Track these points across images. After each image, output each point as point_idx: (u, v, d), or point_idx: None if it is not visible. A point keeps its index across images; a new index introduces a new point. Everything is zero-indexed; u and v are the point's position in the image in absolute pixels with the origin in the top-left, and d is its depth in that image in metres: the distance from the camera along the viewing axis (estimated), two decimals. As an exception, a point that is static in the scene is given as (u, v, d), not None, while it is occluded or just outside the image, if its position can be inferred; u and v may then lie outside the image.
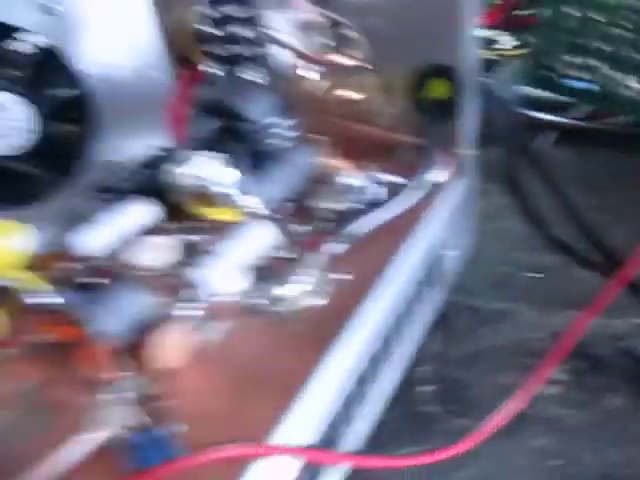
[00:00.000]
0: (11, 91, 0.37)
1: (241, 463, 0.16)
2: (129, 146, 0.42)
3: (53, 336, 0.20)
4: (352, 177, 0.24)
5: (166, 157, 0.27)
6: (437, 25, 0.25)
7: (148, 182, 0.26)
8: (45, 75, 0.39)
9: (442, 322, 0.29)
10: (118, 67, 0.40)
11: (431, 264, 0.26)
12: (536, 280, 0.31)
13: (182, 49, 0.30)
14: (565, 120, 0.40)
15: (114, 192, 0.25)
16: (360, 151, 0.28)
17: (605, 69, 0.21)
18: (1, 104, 0.37)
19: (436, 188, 0.26)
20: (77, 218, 0.26)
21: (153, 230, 0.25)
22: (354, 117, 0.28)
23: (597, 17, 0.20)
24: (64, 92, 0.41)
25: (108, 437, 0.16)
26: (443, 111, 0.26)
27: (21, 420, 0.18)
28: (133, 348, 0.19)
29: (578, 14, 0.20)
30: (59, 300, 0.19)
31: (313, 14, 0.25)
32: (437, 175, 0.25)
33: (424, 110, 0.26)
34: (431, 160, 0.24)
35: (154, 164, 0.27)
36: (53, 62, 0.39)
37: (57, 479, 0.15)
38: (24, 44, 0.39)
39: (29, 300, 0.20)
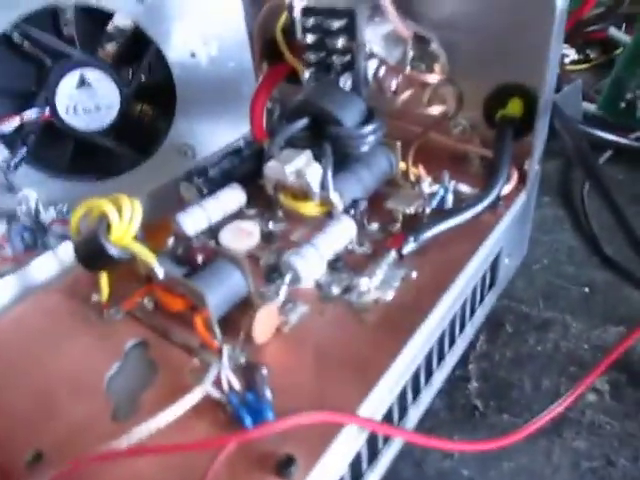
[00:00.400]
0: (102, 70, 0.40)
1: (325, 429, 0.18)
2: (211, 133, 0.44)
3: (155, 303, 0.22)
4: (424, 183, 0.26)
5: (252, 149, 0.29)
6: (520, 45, 0.26)
7: (235, 169, 0.28)
8: (133, 58, 0.42)
9: (492, 325, 0.31)
10: (203, 56, 0.42)
11: (488, 269, 0.28)
12: (585, 294, 0.33)
13: (269, 45, 0.32)
14: (622, 139, 0.41)
15: (204, 175, 0.27)
16: (433, 158, 0.30)
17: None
18: (92, 81, 0.40)
19: (500, 199, 0.27)
20: (167, 197, 0.29)
21: (237, 216, 0.27)
22: (431, 126, 0.29)
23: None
24: (150, 76, 0.44)
25: (207, 395, 0.18)
26: (517, 129, 0.28)
27: (127, 374, 0.21)
28: (228, 321, 0.21)
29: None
30: (164, 270, 0.21)
31: (400, 26, 0.27)
32: (502, 187, 0.26)
33: (498, 124, 0.28)
34: (499, 172, 0.26)
35: (241, 153, 0.29)
36: (141, 47, 0.41)
37: (160, 432, 0.18)
38: (117, 28, 0.42)
39: (138, 269, 0.22)
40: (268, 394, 0.18)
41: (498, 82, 0.28)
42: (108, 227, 0.21)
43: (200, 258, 0.21)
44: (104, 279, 0.23)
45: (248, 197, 0.28)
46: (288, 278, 0.22)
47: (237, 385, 0.18)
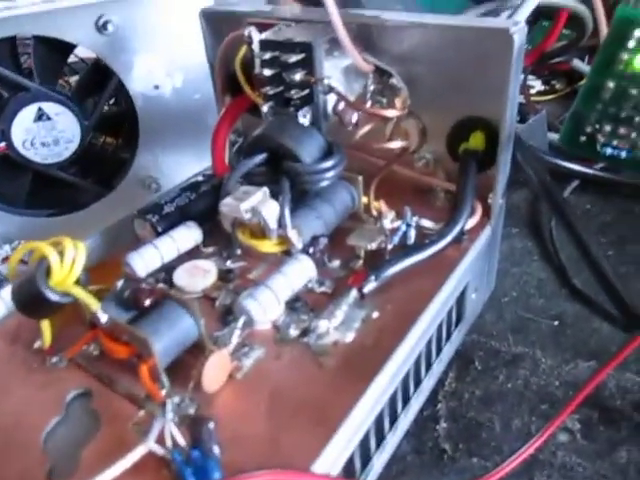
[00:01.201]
0: (61, 103, 0.39)
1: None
2: (177, 165, 0.44)
3: (101, 350, 0.21)
4: (386, 219, 0.25)
5: (210, 184, 0.28)
6: (481, 79, 0.26)
7: (191, 206, 0.27)
8: (95, 90, 0.41)
9: (461, 361, 0.30)
10: (167, 88, 0.42)
11: (454, 306, 0.27)
12: (555, 327, 0.32)
13: (231, 77, 0.31)
14: (588, 170, 0.41)
15: (159, 212, 0.26)
16: (397, 191, 0.30)
17: None
18: (51, 115, 0.39)
19: (464, 233, 0.27)
20: (123, 233, 0.28)
21: (193, 254, 0.26)
22: (393, 160, 0.29)
23: (636, 91, 0.21)
24: (112, 107, 0.43)
25: (150, 452, 0.17)
26: (480, 162, 0.27)
27: (67, 428, 0.19)
28: (179, 367, 0.20)
29: (620, 87, 0.21)
30: (107, 316, 0.20)
31: (359, 60, 0.26)
32: (466, 221, 0.26)
33: (461, 158, 0.28)
34: (462, 206, 0.25)
35: (198, 188, 0.28)
36: (104, 78, 0.41)
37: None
38: (77, 60, 0.41)
39: (81, 314, 0.21)
40: (216, 450, 0.17)
41: (460, 115, 0.28)
42: (49, 271, 0.20)
43: (148, 301, 0.20)
44: (46, 324, 0.21)
45: (206, 234, 0.27)
46: (241, 322, 0.21)
47: (182, 441, 0.17)
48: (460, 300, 0.27)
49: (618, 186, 0.42)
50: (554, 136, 0.44)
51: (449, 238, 0.25)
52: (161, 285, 0.23)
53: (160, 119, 0.42)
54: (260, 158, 0.24)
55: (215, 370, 0.20)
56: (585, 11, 0.43)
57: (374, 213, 0.27)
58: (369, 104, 0.28)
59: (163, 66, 0.41)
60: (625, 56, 0.21)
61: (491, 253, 0.30)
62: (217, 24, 0.32)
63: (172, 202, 0.27)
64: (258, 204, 0.23)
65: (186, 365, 0.20)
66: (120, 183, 0.42)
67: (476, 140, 0.27)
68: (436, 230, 0.26)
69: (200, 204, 0.27)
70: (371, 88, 0.28)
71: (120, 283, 0.21)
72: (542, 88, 0.55)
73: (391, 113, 0.26)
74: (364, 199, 0.27)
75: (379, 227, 0.26)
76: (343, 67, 0.27)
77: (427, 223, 0.26)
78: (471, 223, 0.27)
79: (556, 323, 0.33)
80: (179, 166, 0.44)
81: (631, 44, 0.21)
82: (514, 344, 0.31)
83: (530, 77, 0.54)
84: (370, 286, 0.23)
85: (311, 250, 0.24)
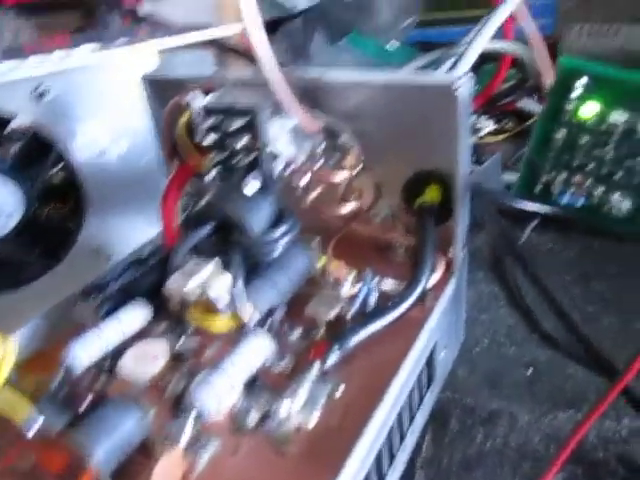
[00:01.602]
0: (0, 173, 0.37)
1: None
2: (128, 233, 0.42)
3: (35, 461, 0.19)
4: (345, 285, 0.24)
5: (158, 256, 0.27)
6: (430, 132, 0.25)
7: (139, 282, 0.25)
8: (37, 159, 0.40)
9: (437, 422, 0.29)
10: (113, 153, 0.40)
11: (424, 369, 0.26)
12: (529, 377, 0.31)
13: (174, 144, 0.30)
14: (546, 209, 0.41)
15: (103, 292, 0.24)
16: (356, 249, 0.29)
17: (597, 188, 0.21)
18: (-11, 188, 0.37)
19: (428, 291, 0.26)
20: (65, 315, 0.26)
21: (142, 334, 0.24)
22: (350, 220, 0.28)
23: (587, 139, 0.21)
24: (53, 176, 0.41)
25: None
26: (438, 215, 0.26)
27: None
28: (125, 471, 0.18)
29: (570, 135, 0.21)
30: (40, 422, 0.18)
31: (305, 121, 0.25)
32: (428, 279, 0.25)
33: (418, 213, 0.27)
34: (423, 265, 0.24)
35: (147, 261, 0.26)
36: (45, 147, 0.39)
37: None
38: (15, 128, 0.39)
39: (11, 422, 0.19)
40: None
41: (413, 169, 0.27)
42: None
43: (87, 401, 0.18)
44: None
45: (157, 309, 0.25)
46: (193, 415, 0.19)
47: None
48: (430, 361, 0.26)
49: (575, 223, 0.42)
50: (510, 176, 0.44)
51: (412, 299, 0.23)
52: (104, 378, 0.21)
53: (107, 186, 0.40)
54: (207, 230, 0.23)
55: (166, 473, 0.18)
56: (527, 55, 0.43)
57: (333, 278, 0.26)
58: (320, 163, 0.27)
59: (108, 132, 0.39)
60: (570, 106, 0.21)
61: (458, 307, 0.29)
62: (161, 89, 0.32)
63: (117, 279, 0.25)
64: (208, 279, 0.22)
65: (136, 466, 0.18)
66: (68, 254, 0.40)
67: (432, 193, 0.26)
68: (398, 291, 0.25)
69: (149, 278, 0.25)
70: (321, 147, 0.27)
71: (55, 383, 0.19)
72: (494, 128, 0.56)
73: (340, 177, 0.25)
74: (322, 261, 0.26)
75: (338, 293, 0.24)
76: (291, 127, 0.26)
77: (388, 284, 0.25)
78: (434, 280, 0.26)
79: (530, 372, 0.32)
80: (131, 232, 0.42)
81: (575, 94, 0.21)
82: (489, 399, 0.30)
83: (481, 118, 0.55)
84: (333, 358, 0.22)
85: (268, 324, 0.22)
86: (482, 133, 0.54)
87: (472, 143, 0.52)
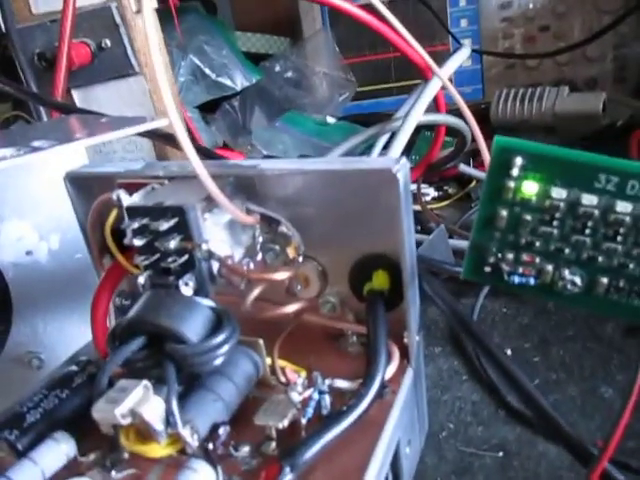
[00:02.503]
0: None
1: None
2: (61, 336, 0.39)
3: None
4: (295, 390, 0.22)
5: (87, 372, 0.24)
6: (372, 217, 0.24)
7: (62, 407, 0.22)
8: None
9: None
10: (41, 252, 0.38)
11: (389, 471, 0.24)
12: (500, 460, 0.29)
13: (102, 244, 0.28)
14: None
15: (20, 427, 0.22)
16: (306, 342, 0.27)
17: (546, 265, 0.20)
18: None
19: (385, 386, 0.24)
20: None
21: (70, 466, 0.21)
22: (296, 317, 0.26)
23: (530, 217, 0.20)
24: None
25: None
26: (387, 301, 0.25)
27: None
28: None
29: (514, 214, 0.20)
30: None
31: (239, 215, 0.24)
32: (384, 372, 0.23)
33: (367, 302, 0.25)
34: (377, 358, 0.23)
35: (71, 382, 0.24)
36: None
37: None
38: None
39: None
40: None
41: (358, 255, 0.26)
42: None
43: None
44: None
45: (84, 436, 0.22)
46: None
47: None
48: (395, 462, 0.24)
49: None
50: (458, 243, 0.44)
51: (369, 399, 0.22)
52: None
53: (37, 286, 0.37)
54: (137, 344, 0.21)
55: None
56: (461, 124, 0.44)
57: (282, 379, 0.24)
58: (260, 256, 0.26)
59: (35, 230, 0.37)
60: (512, 183, 0.20)
61: (419, 396, 0.27)
62: (86, 187, 0.30)
63: (37, 407, 0.22)
64: (137, 404, 0.19)
65: None
66: (-7, 365, 0.36)
67: (379, 279, 0.25)
68: (354, 390, 0.23)
69: (74, 402, 0.23)
70: (260, 239, 0.26)
71: None
72: (436, 195, 0.56)
73: (281, 275, 0.24)
74: (268, 366, 0.24)
75: (289, 398, 0.22)
76: (226, 222, 0.25)
77: (342, 383, 0.23)
78: (390, 371, 0.25)
79: (501, 454, 0.30)
80: (64, 336, 0.39)
81: (515, 171, 0.20)
82: (462, 490, 0.28)
83: (423, 185, 0.55)
84: (286, 478, 0.19)
85: (211, 445, 0.20)
86: (426, 199, 0.54)
87: (416, 212, 0.52)
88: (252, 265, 0.25)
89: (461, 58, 0.40)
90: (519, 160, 0.21)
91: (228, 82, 0.67)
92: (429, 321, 0.41)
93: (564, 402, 0.32)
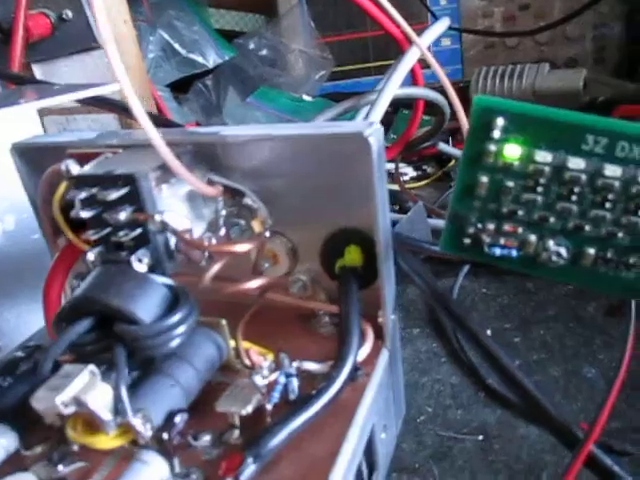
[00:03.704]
0: None
1: None
2: (13, 321, 0.36)
3: None
4: (259, 373, 0.20)
5: (34, 358, 0.22)
6: (344, 188, 0.23)
7: (6, 396, 0.20)
8: None
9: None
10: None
11: (363, 459, 0.22)
12: (481, 444, 0.28)
13: (53, 222, 0.26)
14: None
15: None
16: (275, 323, 0.25)
17: (530, 236, 0.19)
18: None
19: (358, 368, 0.22)
20: None
21: (13, 461, 0.19)
22: (262, 294, 0.24)
23: (513, 183, 0.18)
24: None
25: None
26: (361, 278, 0.23)
27: None
28: None
29: (495, 181, 0.19)
30: None
31: (200, 186, 0.22)
32: (357, 354, 0.22)
33: (340, 280, 0.24)
34: (349, 339, 0.21)
35: (15, 369, 0.22)
36: None
37: None
38: None
39: None
40: None
41: (330, 229, 0.24)
42: None
43: None
44: None
45: (30, 428, 0.20)
46: None
47: None
48: (369, 448, 0.22)
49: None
50: (437, 222, 0.43)
51: (340, 382, 0.20)
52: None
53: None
54: (84, 326, 0.19)
55: None
56: (440, 98, 0.43)
57: (247, 362, 0.22)
58: (223, 231, 0.24)
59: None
60: (493, 147, 0.18)
61: (395, 379, 0.25)
62: (35, 159, 0.27)
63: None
64: (82, 391, 0.17)
65: None
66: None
67: (352, 255, 0.24)
68: (324, 372, 0.21)
69: (18, 390, 0.21)
70: (223, 212, 0.24)
71: None
72: (415, 174, 0.55)
73: (242, 247, 0.22)
74: (232, 348, 0.22)
75: (254, 382, 0.20)
76: (185, 193, 0.23)
77: (312, 365, 0.22)
78: (364, 353, 0.23)
79: (481, 437, 0.29)
80: (23, 322, 0.36)
81: (496, 134, 0.18)
82: (441, 476, 0.27)
83: (401, 165, 0.53)
84: (249, 472, 0.17)
85: (166, 435, 0.18)
86: (404, 179, 0.52)
87: (393, 191, 0.50)
88: (214, 240, 0.23)
89: (440, 29, 0.38)
90: (500, 121, 0.19)
91: (200, 59, 0.65)
92: (407, 302, 0.40)
93: (546, 383, 0.31)
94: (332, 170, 0.22)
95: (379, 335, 0.24)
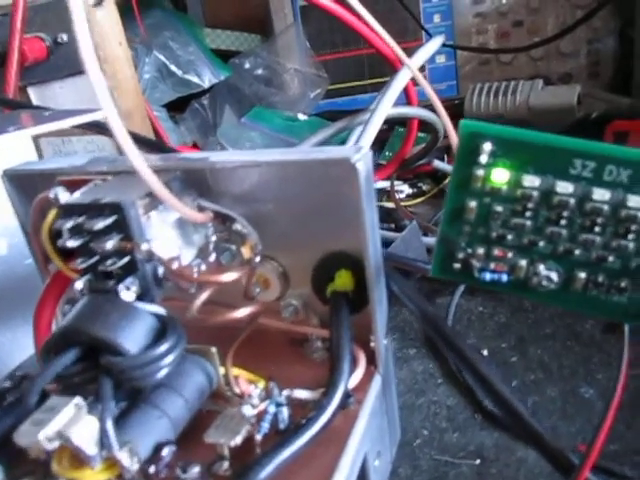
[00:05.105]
0: None
1: None
2: (8, 346, 0.36)
3: None
4: (249, 400, 0.20)
5: (19, 391, 0.22)
6: (334, 212, 0.23)
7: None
8: None
9: None
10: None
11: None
12: (478, 469, 0.28)
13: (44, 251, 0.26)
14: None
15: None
16: (267, 348, 0.25)
17: (520, 260, 0.19)
18: None
19: (350, 395, 0.22)
20: None
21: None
22: (252, 321, 0.24)
23: (502, 208, 0.18)
24: None
25: None
26: (352, 302, 0.23)
27: None
28: None
29: (483, 205, 0.18)
30: None
31: (187, 212, 0.22)
32: (348, 380, 0.21)
33: (331, 304, 0.23)
34: (340, 365, 0.21)
35: (2, 400, 0.21)
36: None
37: None
38: None
39: None
40: None
41: (321, 253, 0.24)
42: None
43: None
44: None
45: (18, 460, 0.20)
46: None
47: None
48: (362, 476, 0.22)
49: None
50: (431, 240, 0.42)
51: (330, 411, 0.20)
52: None
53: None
54: (69, 357, 0.18)
55: None
56: (432, 117, 0.43)
57: (237, 390, 0.22)
58: (213, 257, 0.24)
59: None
60: (480, 172, 0.18)
61: (388, 404, 0.25)
62: (26, 185, 0.27)
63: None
64: (66, 425, 0.17)
65: None
66: None
67: (342, 279, 0.23)
68: (316, 400, 0.21)
69: (5, 422, 0.20)
70: (214, 238, 0.24)
71: None
72: (410, 192, 0.55)
73: (228, 277, 0.22)
74: (222, 375, 0.22)
75: (243, 412, 0.20)
76: (175, 220, 0.23)
77: (302, 393, 0.21)
78: (356, 379, 0.23)
79: (478, 462, 0.28)
80: (16, 348, 0.36)
81: (483, 158, 0.18)
82: (437, 502, 0.26)
83: (397, 182, 0.53)
84: (239, 504, 0.17)
85: (153, 469, 0.18)
86: (400, 197, 0.52)
87: (389, 209, 0.50)
88: (204, 267, 0.23)
89: (432, 48, 0.38)
90: (488, 146, 0.19)
91: (195, 79, 0.65)
92: (403, 322, 0.39)
93: (543, 404, 0.31)
94: (320, 195, 0.22)
95: (371, 360, 0.24)
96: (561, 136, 0.19)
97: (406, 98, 0.45)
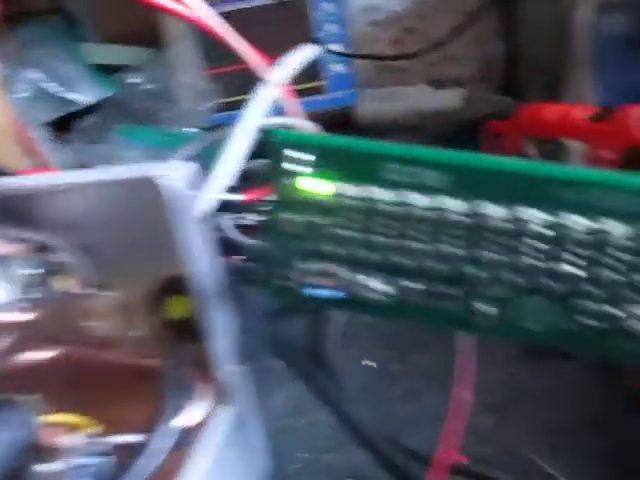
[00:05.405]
0: None
1: None
2: None
3: None
4: (71, 452, 0.18)
5: None
6: (155, 233, 0.21)
7: None
8: None
9: None
10: None
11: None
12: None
13: None
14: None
15: None
16: (107, 386, 0.23)
17: (345, 273, 0.18)
18: None
19: (189, 430, 0.20)
20: None
21: None
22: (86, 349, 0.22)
23: (323, 221, 0.17)
24: None
25: None
26: (189, 329, 0.22)
27: None
28: None
29: (303, 219, 0.17)
30: None
31: (8, 243, 0.20)
32: (172, 419, 0.19)
33: (167, 330, 0.22)
34: (165, 397, 0.19)
35: None
36: None
37: None
38: None
39: None
40: None
41: (156, 280, 0.22)
42: None
43: None
44: None
45: None
46: None
47: None
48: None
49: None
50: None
51: (154, 454, 0.18)
52: None
53: None
54: None
55: None
56: (310, 127, 0.42)
57: (58, 441, 0.19)
58: (39, 294, 0.21)
59: None
60: (295, 184, 0.17)
61: (247, 434, 0.23)
62: None
63: None
64: None
65: None
66: None
67: (177, 305, 0.22)
68: (143, 442, 0.19)
69: None
70: (33, 272, 0.21)
71: None
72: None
73: (30, 316, 0.19)
74: (42, 429, 0.20)
75: (60, 467, 0.18)
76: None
77: (129, 438, 0.19)
78: (198, 414, 0.21)
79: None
80: None
81: (298, 169, 0.17)
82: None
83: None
84: None
85: None
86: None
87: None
88: (24, 304, 0.21)
89: (301, 56, 0.37)
90: (302, 156, 0.18)
91: (76, 96, 0.62)
92: (287, 339, 0.38)
93: (419, 411, 0.30)
94: (140, 217, 0.20)
95: (220, 393, 0.22)
96: (374, 142, 0.18)
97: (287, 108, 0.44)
